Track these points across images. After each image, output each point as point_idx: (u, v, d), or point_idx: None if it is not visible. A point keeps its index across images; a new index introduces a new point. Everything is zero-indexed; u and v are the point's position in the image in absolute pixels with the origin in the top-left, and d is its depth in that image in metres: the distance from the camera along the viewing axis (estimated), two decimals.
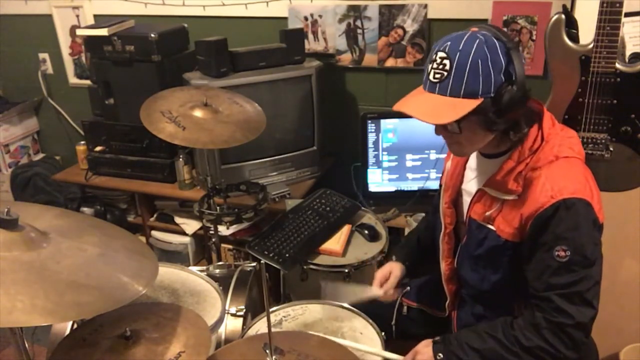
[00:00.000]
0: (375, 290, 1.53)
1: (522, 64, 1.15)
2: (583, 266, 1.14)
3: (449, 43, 1.13)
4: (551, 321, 1.16)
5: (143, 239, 2.63)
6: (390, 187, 2.32)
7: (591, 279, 1.15)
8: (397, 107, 1.18)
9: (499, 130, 1.19)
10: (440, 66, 1.13)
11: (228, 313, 1.60)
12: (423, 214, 2.11)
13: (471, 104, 1.11)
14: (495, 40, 1.12)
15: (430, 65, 1.15)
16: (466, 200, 1.36)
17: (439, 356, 1.26)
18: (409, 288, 1.63)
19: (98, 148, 2.58)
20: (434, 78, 1.14)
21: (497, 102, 1.12)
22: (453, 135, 1.20)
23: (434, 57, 1.14)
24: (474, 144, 1.23)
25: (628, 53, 1.72)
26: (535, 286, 1.19)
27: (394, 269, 1.56)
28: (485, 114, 1.13)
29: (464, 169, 1.39)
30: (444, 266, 1.45)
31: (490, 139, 1.21)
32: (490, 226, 1.27)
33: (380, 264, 1.83)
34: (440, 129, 1.22)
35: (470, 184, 1.35)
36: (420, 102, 1.17)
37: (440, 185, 1.49)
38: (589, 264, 1.15)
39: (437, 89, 1.14)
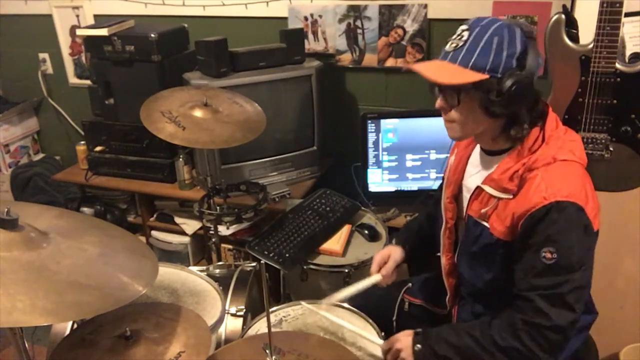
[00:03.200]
0: (374, 277, 1.53)
1: (537, 59, 1.16)
2: (568, 270, 1.14)
3: (472, 19, 1.18)
4: (528, 322, 1.15)
5: (143, 239, 2.63)
6: (390, 187, 2.32)
7: (574, 282, 1.14)
8: (410, 66, 1.21)
9: (496, 117, 1.18)
10: (458, 37, 1.17)
11: (228, 313, 1.60)
12: None
13: (475, 76, 1.13)
14: (517, 28, 1.15)
15: (450, 39, 1.19)
16: (466, 196, 1.37)
17: (417, 347, 1.26)
18: (410, 284, 1.63)
19: (98, 148, 2.58)
20: (449, 47, 1.18)
21: (501, 84, 1.13)
22: (450, 112, 1.21)
23: (456, 32, 1.18)
24: (469, 124, 1.22)
25: (628, 53, 1.72)
26: (519, 285, 1.19)
27: (392, 252, 1.56)
28: (487, 92, 1.14)
29: (466, 164, 1.40)
30: (444, 260, 1.46)
31: (486, 126, 1.21)
32: (484, 223, 1.27)
33: None
34: (441, 99, 1.23)
35: (471, 180, 1.36)
36: (429, 65, 1.20)
37: (443, 179, 1.49)
38: (573, 269, 1.14)
39: (449, 56, 1.17)
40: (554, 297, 1.14)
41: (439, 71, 1.17)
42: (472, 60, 1.14)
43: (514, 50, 1.13)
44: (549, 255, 1.14)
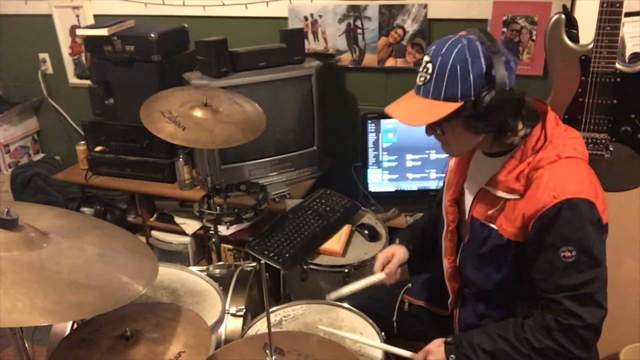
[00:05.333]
0: (378, 275, 1.53)
1: (509, 68, 1.15)
2: (591, 266, 1.15)
3: (433, 47, 1.18)
4: (562, 323, 1.16)
5: (143, 239, 2.63)
6: (390, 187, 2.32)
7: (600, 279, 1.16)
8: (387, 109, 1.24)
9: (484, 133, 1.21)
10: (424, 69, 1.18)
11: (228, 313, 1.60)
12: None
13: (449, 107, 1.15)
14: (479, 44, 1.14)
15: (419, 69, 1.20)
16: (468, 198, 1.37)
17: (452, 357, 1.26)
18: (410, 285, 1.63)
19: (98, 148, 2.58)
20: (419, 81, 1.19)
21: (477, 106, 1.14)
22: (441, 136, 1.25)
23: (421, 60, 1.20)
24: (462, 145, 1.26)
25: (628, 53, 1.72)
26: (543, 287, 1.20)
27: (396, 251, 1.56)
28: (466, 116, 1.16)
29: (467, 167, 1.40)
30: (446, 264, 1.46)
31: (479, 140, 1.23)
32: (492, 225, 1.27)
33: None
34: (429, 130, 1.26)
35: (473, 183, 1.36)
36: (406, 105, 1.23)
37: (444, 183, 1.49)
38: (596, 264, 1.15)
39: (421, 91, 1.19)
40: (582, 297, 1.15)
41: (413, 112, 1.20)
42: (443, 91, 1.15)
43: (479, 69, 1.13)
44: (568, 254, 1.14)
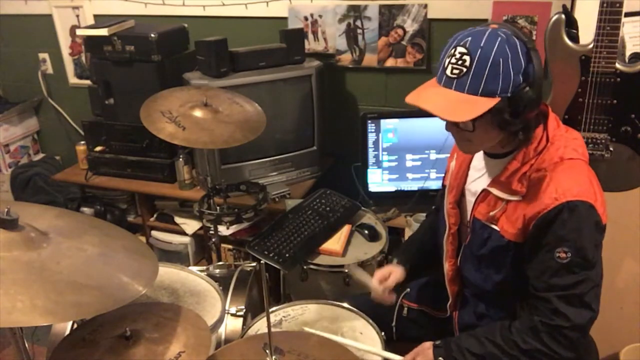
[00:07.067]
0: (374, 284, 1.52)
1: (541, 65, 1.13)
2: (583, 268, 1.15)
3: (469, 39, 1.10)
4: (548, 324, 1.16)
5: (143, 239, 2.63)
6: (390, 187, 2.32)
7: (591, 281, 1.15)
8: (411, 100, 1.15)
9: (512, 130, 1.17)
10: (460, 62, 1.10)
11: (228, 313, 1.60)
12: (423, 214, 2.11)
13: (488, 103, 1.09)
14: (516, 40, 1.10)
15: (447, 60, 1.12)
16: (470, 200, 1.36)
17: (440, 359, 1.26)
18: (409, 289, 1.62)
19: (98, 148, 2.58)
20: (452, 73, 1.11)
21: (514, 103, 1.11)
22: (465, 132, 1.18)
23: (452, 51, 1.12)
24: (485, 142, 1.22)
25: (628, 53, 1.72)
26: (535, 286, 1.20)
27: (394, 271, 1.55)
28: (501, 114, 1.12)
29: (468, 169, 1.39)
30: (447, 266, 1.45)
31: (501, 138, 1.20)
32: (494, 226, 1.27)
33: (380, 264, 1.84)
34: (451, 125, 1.20)
35: (475, 184, 1.35)
36: (435, 97, 1.14)
37: (444, 186, 1.49)
38: (589, 266, 1.15)
39: (454, 84, 1.11)
40: (571, 298, 1.15)
41: (449, 105, 1.11)
42: (482, 86, 1.09)
43: (519, 66, 1.09)
44: (563, 254, 1.14)
